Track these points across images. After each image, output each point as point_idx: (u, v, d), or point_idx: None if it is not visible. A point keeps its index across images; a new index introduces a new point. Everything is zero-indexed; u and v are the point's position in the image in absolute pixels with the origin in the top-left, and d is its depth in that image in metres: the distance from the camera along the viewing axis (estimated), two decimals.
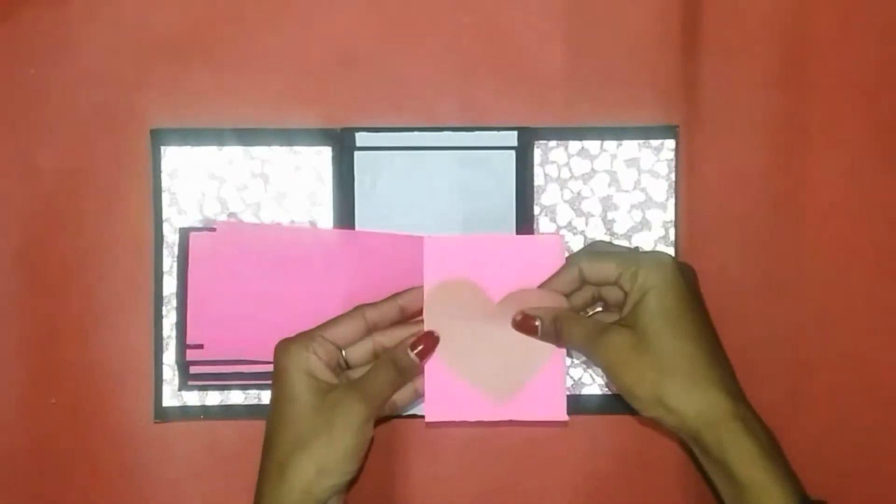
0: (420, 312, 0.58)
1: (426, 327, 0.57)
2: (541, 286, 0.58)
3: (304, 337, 0.56)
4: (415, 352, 0.56)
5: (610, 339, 0.54)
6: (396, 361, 0.56)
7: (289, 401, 0.55)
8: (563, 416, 0.59)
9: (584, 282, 0.57)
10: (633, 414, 0.63)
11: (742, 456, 0.53)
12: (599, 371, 0.63)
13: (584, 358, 0.63)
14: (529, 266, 0.59)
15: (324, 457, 0.54)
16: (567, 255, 0.59)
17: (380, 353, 0.57)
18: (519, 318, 0.58)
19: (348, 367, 0.57)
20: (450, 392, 0.58)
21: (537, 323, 0.57)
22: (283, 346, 0.56)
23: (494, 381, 0.58)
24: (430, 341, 0.57)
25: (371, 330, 0.57)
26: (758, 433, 0.54)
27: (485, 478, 0.64)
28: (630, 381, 0.54)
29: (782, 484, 0.53)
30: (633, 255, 0.56)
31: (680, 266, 0.56)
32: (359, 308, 0.57)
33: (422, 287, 0.58)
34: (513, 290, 0.58)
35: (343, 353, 0.57)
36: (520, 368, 0.58)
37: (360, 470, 0.57)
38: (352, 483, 0.57)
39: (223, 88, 0.63)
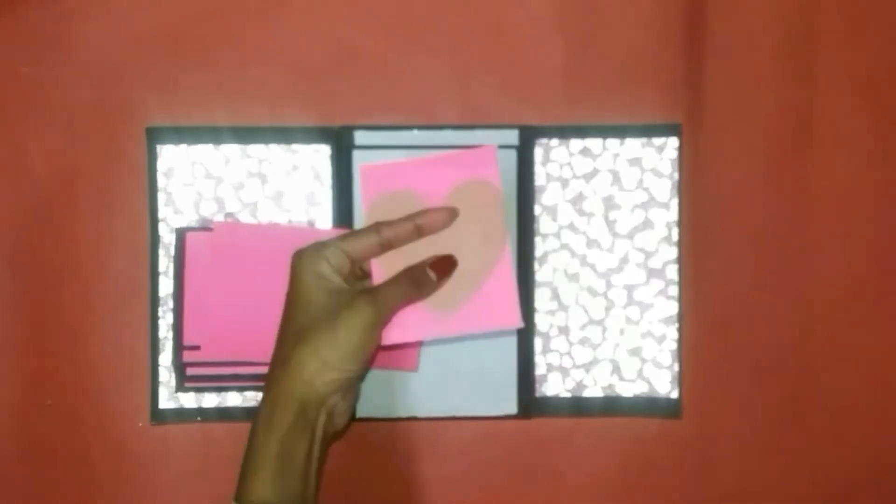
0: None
1: None
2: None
3: (319, 244, 0.57)
4: (434, 272, 0.57)
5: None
6: (414, 278, 0.57)
7: (299, 299, 0.56)
8: (518, 322, 0.58)
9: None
10: (634, 416, 0.62)
11: None
12: (600, 375, 0.63)
13: (586, 361, 0.63)
14: (466, 177, 0.59)
15: (326, 351, 0.54)
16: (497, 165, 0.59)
17: (385, 245, 0.58)
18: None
19: (363, 275, 0.59)
20: (399, 313, 0.58)
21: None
22: (298, 252, 0.57)
23: (441, 293, 0.58)
24: (448, 264, 0.58)
25: (385, 247, 0.58)
26: None
27: (487, 480, 0.63)
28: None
29: None
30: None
31: None
32: (376, 224, 0.58)
33: (439, 209, 0.58)
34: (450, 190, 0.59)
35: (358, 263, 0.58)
36: (466, 276, 0.58)
37: (363, 376, 0.59)
38: (353, 383, 0.58)
39: (220, 86, 0.63)
